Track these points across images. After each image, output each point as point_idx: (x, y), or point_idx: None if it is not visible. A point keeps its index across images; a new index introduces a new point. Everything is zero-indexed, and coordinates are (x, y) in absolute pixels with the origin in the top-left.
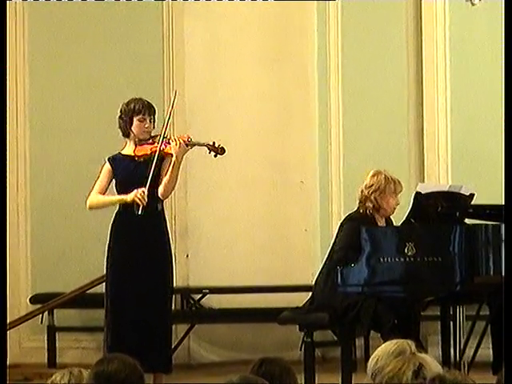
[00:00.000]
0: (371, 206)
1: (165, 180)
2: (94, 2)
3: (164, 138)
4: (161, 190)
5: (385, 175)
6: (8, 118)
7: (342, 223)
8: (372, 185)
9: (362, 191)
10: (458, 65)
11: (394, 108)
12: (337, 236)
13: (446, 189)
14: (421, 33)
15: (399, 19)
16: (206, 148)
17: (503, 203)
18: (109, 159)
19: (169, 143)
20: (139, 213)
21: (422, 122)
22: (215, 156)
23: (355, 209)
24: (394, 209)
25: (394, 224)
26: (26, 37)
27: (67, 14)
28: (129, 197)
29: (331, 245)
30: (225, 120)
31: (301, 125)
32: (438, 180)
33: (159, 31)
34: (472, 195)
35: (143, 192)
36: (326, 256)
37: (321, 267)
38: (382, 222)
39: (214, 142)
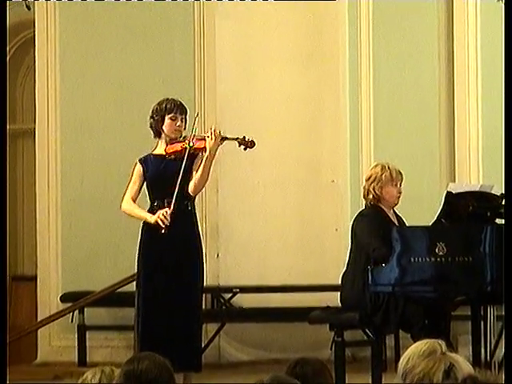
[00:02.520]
0: (371, 197)
1: (196, 175)
2: (125, 1)
3: (194, 135)
4: (191, 185)
5: (381, 166)
6: (38, 117)
7: (354, 221)
8: (370, 177)
9: (364, 186)
10: (489, 64)
11: (425, 107)
12: (353, 235)
13: (477, 188)
14: (452, 32)
15: (431, 18)
16: (236, 144)
17: None
18: (140, 160)
19: (200, 139)
20: (163, 232)
21: (453, 122)
22: (245, 149)
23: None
24: (398, 198)
25: (399, 214)
26: (57, 35)
27: (98, 12)
28: (152, 219)
29: (350, 245)
30: (256, 119)
31: (332, 124)
32: (469, 180)
33: (190, 30)
34: (503, 195)
35: (166, 212)
36: (348, 256)
37: (345, 267)
38: (390, 213)
39: (244, 136)
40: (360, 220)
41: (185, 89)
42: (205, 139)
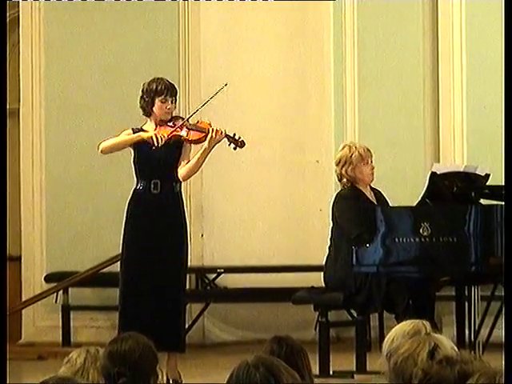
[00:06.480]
0: (345, 180)
1: (189, 164)
2: None
3: (186, 121)
4: (183, 172)
5: (349, 146)
6: (23, 98)
7: (334, 202)
8: (340, 160)
9: (335, 170)
10: (473, 46)
11: (410, 88)
12: (333, 215)
13: (461, 169)
14: (437, 11)
15: (416, 5)
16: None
17: None
18: (133, 129)
19: (191, 129)
20: (156, 145)
21: (438, 103)
22: (234, 149)
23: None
24: (372, 175)
25: (375, 188)
26: (42, 15)
27: None
28: (146, 135)
29: (331, 226)
30: (240, 101)
31: (317, 105)
32: (454, 160)
33: (175, 14)
34: (487, 175)
35: (163, 135)
36: (330, 236)
37: (328, 248)
38: (367, 191)
39: (234, 134)
40: (339, 202)
41: (169, 70)
42: (197, 130)
